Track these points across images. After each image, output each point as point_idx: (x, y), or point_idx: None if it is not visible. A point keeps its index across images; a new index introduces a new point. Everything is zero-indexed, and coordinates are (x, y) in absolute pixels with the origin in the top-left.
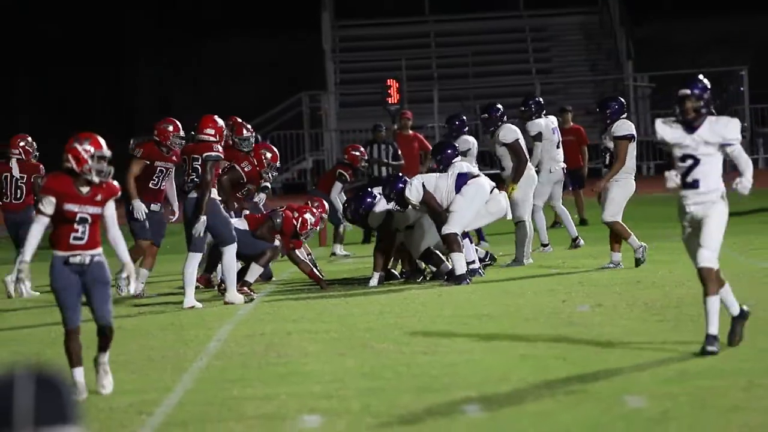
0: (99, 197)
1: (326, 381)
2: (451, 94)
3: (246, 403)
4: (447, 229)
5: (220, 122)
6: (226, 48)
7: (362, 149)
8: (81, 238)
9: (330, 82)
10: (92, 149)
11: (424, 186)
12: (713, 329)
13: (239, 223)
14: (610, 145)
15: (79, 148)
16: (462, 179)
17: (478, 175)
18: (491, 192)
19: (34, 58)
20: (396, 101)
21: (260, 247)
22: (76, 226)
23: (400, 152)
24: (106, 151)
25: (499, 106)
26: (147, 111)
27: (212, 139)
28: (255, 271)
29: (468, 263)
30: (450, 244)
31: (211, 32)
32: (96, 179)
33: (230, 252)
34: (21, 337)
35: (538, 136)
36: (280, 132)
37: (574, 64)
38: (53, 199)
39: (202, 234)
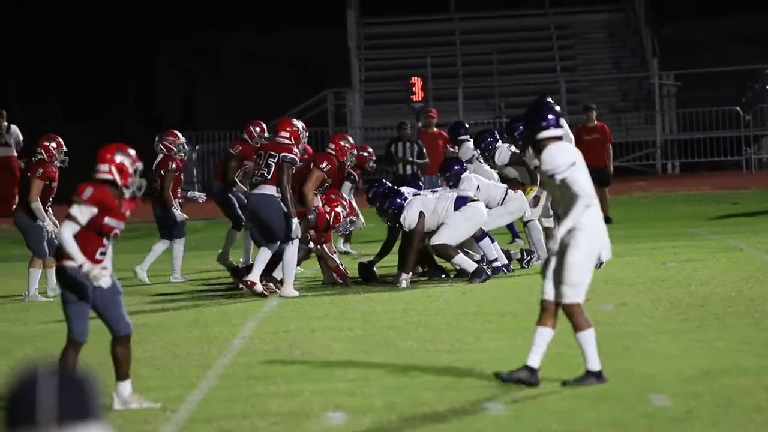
0: (127, 212)
1: (350, 378)
2: (476, 91)
3: (270, 399)
4: (436, 240)
5: (298, 125)
6: (251, 44)
7: (370, 150)
8: (104, 253)
9: (355, 80)
10: (135, 163)
11: (421, 214)
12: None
13: None
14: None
15: (126, 161)
16: (461, 202)
17: (477, 199)
18: (505, 194)
19: (42, 48)
20: (420, 99)
21: None
22: (105, 240)
23: (425, 150)
24: (140, 166)
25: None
26: (168, 106)
27: (288, 141)
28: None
29: (490, 261)
30: (443, 253)
31: (235, 27)
32: (135, 193)
33: (292, 248)
34: (45, 334)
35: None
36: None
37: (599, 62)
38: (95, 210)
39: (298, 231)
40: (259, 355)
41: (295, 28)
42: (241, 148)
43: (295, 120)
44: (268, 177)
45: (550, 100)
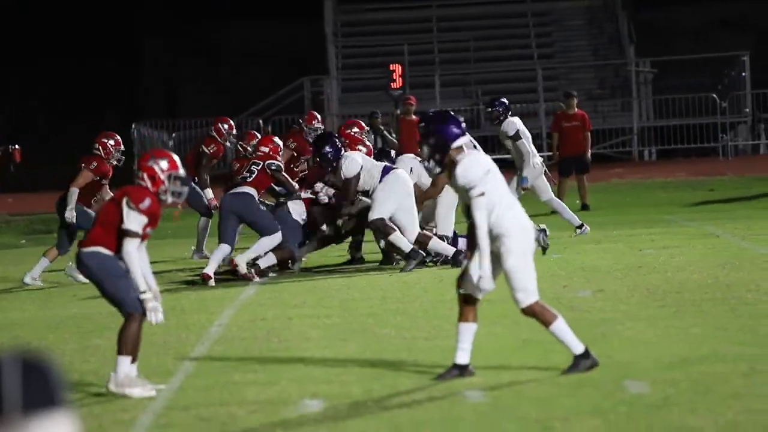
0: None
1: (328, 366)
2: (453, 79)
3: (247, 387)
4: (372, 216)
5: (278, 143)
6: (229, 33)
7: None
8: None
9: (332, 67)
10: (169, 169)
11: (361, 167)
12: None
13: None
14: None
15: (156, 167)
16: (386, 170)
17: (397, 168)
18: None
19: (39, 46)
20: (400, 86)
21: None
22: (140, 243)
23: (395, 141)
24: (182, 171)
25: (504, 100)
26: (151, 97)
27: (269, 152)
28: (269, 259)
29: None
30: (380, 229)
31: (213, 17)
32: (170, 200)
33: (273, 238)
34: (23, 322)
35: (517, 135)
36: (281, 117)
37: (576, 49)
38: (146, 221)
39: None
40: (237, 343)
41: (272, 16)
42: (215, 148)
43: (276, 138)
44: (250, 179)
45: (451, 112)
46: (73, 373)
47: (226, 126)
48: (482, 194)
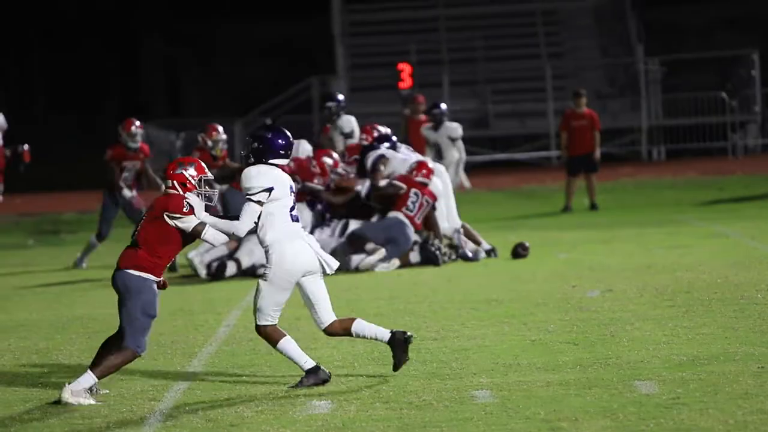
0: None
1: (336, 366)
2: (461, 78)
3: (255, 388)
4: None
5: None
6: (237, 31)
7: (336, 157)
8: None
9: (340, 67)
10: (197, 174)
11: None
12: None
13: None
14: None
15: (186, 173)
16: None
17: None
18: None
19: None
20: (409, 86)
21: None
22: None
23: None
24: (210, 175)
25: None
26: (155, 93)
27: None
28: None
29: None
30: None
31: (221, 14)
32: (209, 203)
33: None
34: (30, 323)
35: (458, 138)
36: (289, 116)
37: (585, 48)
38: (194, 218)
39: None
40: (244, 344)
41: (281, 15)
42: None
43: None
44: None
45: (282, 128)
46: (80, 373)
47: (209, 141)
48: (259, 202)
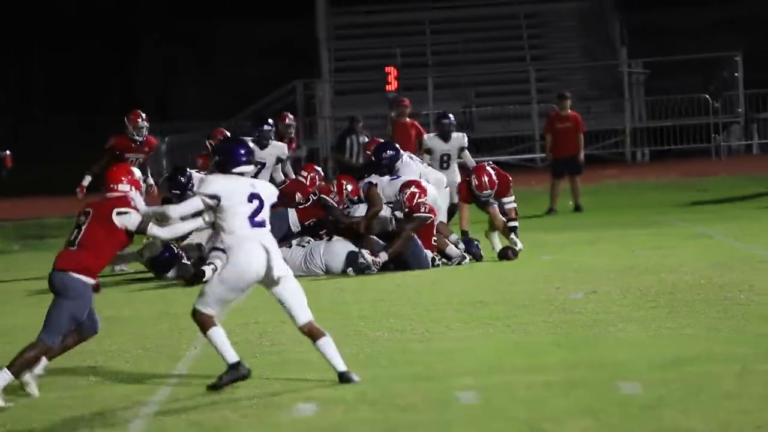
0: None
1: (321, 369)
2: (446, 81)
3: (240, 391)
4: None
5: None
6: (237, 31)
7: (318, 170)
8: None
9: (324, 70)
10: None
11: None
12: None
13: None
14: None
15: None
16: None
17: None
18: None
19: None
20: (395, 89)
21: None
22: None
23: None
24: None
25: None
26: (144, 95)
27: None
28: None
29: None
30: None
31: (221, 14)
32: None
33: None
34: (16, 329)
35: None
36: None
37: (569, 51)
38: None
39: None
40: None
41: (265, 19)
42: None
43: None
44: None
45: (244, 138)
46: (65, 378)
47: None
48: (204, 202)
